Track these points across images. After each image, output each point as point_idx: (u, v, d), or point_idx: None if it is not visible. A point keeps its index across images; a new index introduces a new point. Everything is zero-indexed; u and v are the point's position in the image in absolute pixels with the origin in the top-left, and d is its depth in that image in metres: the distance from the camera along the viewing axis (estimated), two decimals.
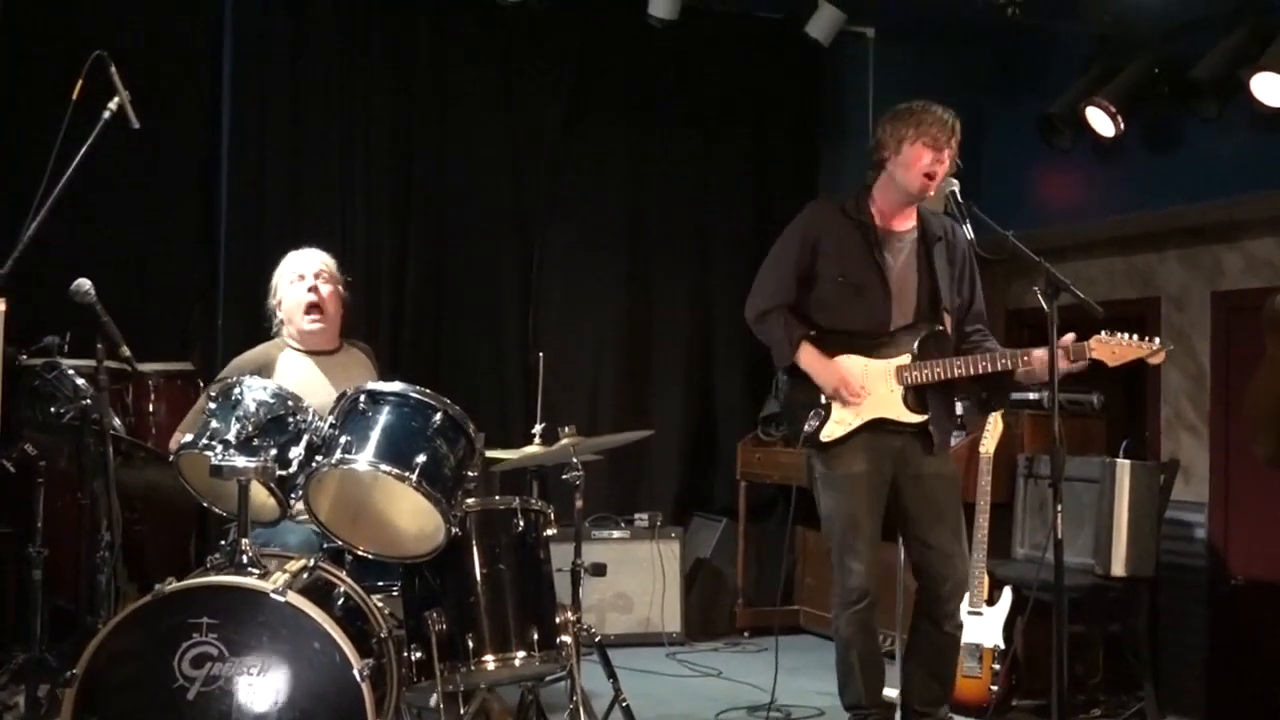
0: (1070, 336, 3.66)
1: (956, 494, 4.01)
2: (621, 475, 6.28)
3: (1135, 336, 3.68)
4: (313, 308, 3.98)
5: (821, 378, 3.87)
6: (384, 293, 5.95)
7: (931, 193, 3.82)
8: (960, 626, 4.07)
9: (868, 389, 3.84)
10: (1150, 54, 4.82)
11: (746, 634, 6.18)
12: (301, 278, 4.01)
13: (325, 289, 4.01)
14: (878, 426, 3.86)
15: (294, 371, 3.94)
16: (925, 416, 3.87)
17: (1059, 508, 3.24)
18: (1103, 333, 3.65)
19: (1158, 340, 3.70)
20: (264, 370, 3.87)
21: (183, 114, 5.65)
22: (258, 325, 4.23)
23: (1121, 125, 4.87)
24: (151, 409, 4.70)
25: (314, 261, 4.06)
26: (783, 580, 6.17)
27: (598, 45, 6.36)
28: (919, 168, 3.80)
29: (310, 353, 4.03)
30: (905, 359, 3.85)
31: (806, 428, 3.87)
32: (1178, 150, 4.87)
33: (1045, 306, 3.31)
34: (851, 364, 3.85)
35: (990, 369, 3.79)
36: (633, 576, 5.90)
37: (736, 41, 6.56)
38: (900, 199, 3.91)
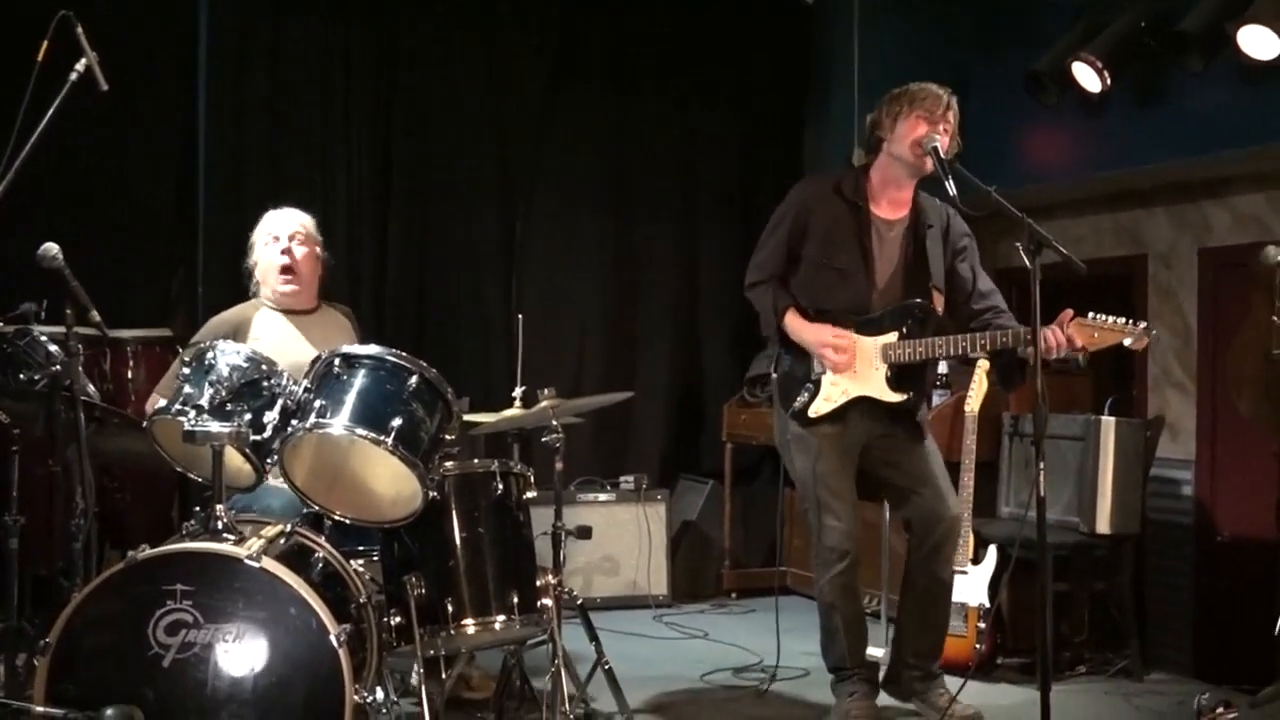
0: (1068, 313, 3.63)
1: (935, 446, 4.02)
2: (607, 438, 6.27)
3: (1118, 319, 3.61)
4: (286, 270, 3.96)
5: (807, 336, 3.89)
6: (366, 257, 5.91)
7: (930, 166, 3.78)
8: (953, 574, 4.08)
9: (856, 360, 3.85)
10: (1137, 8, 4.76)
11: (733, 595, 6.18)
12: (276, 239, 3.98)
13: (300, 251, 3.98)
14: (861, 404, 3.89)
15: (270, 331, 3.91)
16: (906, 396, 3.88)
17: (1041, 465, 3.22)
18: (1090, 314, 3.62)
19: (1143, 324, 3.62)
20: (239, 330, 3.85)
21: (159, 76, 5.56)
22: (239, 291, 4.19)
23: (1108, 81, 4.82)
24: (130, 375, 4.68)
25: (290, 222, 4.02)
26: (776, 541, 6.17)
27: (582, 7, 6.29)
28: (914, 136, 3.78)
29: (287, 312, 3.99)
30: (892, 337, 3.86)
31: (796, 403, 3.90)
32: (1165, 105, 4.81)
33: (1028, 263, 3.28)
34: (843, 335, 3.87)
35: (970, 349, 3.81)
36: (619, 539, 5.88)
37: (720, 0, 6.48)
38: (899, 174, 3.89)
